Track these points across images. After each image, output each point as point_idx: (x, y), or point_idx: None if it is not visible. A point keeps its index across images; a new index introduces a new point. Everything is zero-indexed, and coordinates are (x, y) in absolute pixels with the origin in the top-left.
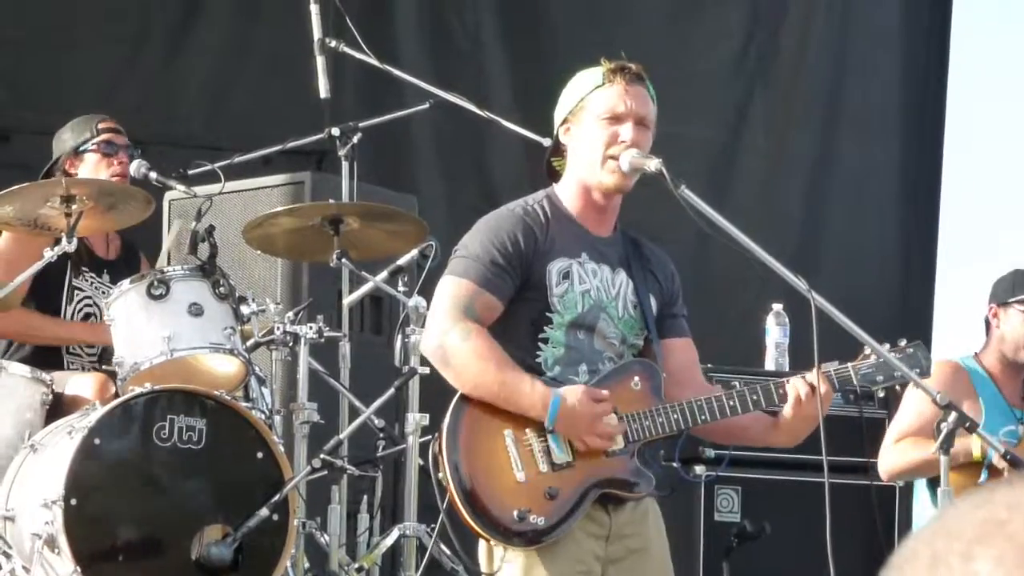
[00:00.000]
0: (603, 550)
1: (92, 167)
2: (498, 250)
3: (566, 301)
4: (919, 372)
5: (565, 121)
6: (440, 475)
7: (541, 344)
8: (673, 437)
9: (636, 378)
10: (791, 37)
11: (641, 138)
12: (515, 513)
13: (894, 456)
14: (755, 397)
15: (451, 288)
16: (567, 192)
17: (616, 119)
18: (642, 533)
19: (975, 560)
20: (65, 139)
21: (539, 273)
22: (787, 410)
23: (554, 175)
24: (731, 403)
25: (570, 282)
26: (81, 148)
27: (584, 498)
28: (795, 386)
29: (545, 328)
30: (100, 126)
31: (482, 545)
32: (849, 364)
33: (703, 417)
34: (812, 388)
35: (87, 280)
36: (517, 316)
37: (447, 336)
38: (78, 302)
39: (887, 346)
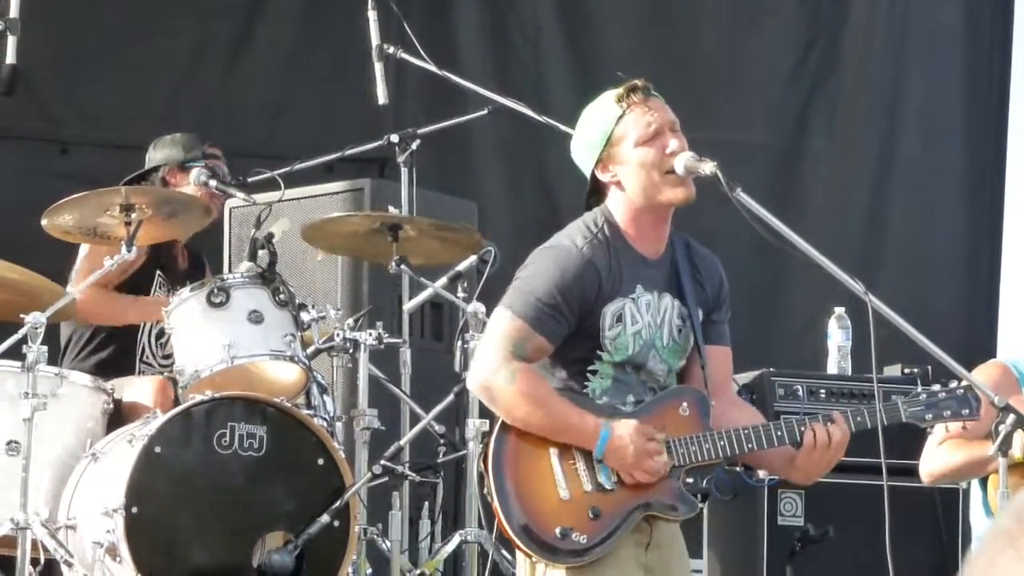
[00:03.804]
0: (644, 557)
1: (194, 186)
2: (561, 295)
3: (618, 344)
4: (968, 413)
5: (599, 161)
6: (485, 491)
7: (590, 375)
8: (718, 464)
9: (684, 403)
10: (852, 40)
11: (682, 142)
12: (557, 530)
13: (936, 459)
14: (802, 429)
15: (505, 326)
16: (621, 218)
17: (655, 136)
18: (673, 546)
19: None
20: (171, 151)
21: (594, 316)
22: (802, 454)
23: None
24: (778, 433)
25: (622, 325)
26: (189, 165)
27: (627, 519)
28: (813, 431)
29: (595, 362)
30: (209, 149)
31: (521, 560)
32: (899, 400)
33: (750, 445)
34: (830, 438)
35: (170, 293)
36: (567, 352)
37: (494, 376)
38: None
39: (937, 386)
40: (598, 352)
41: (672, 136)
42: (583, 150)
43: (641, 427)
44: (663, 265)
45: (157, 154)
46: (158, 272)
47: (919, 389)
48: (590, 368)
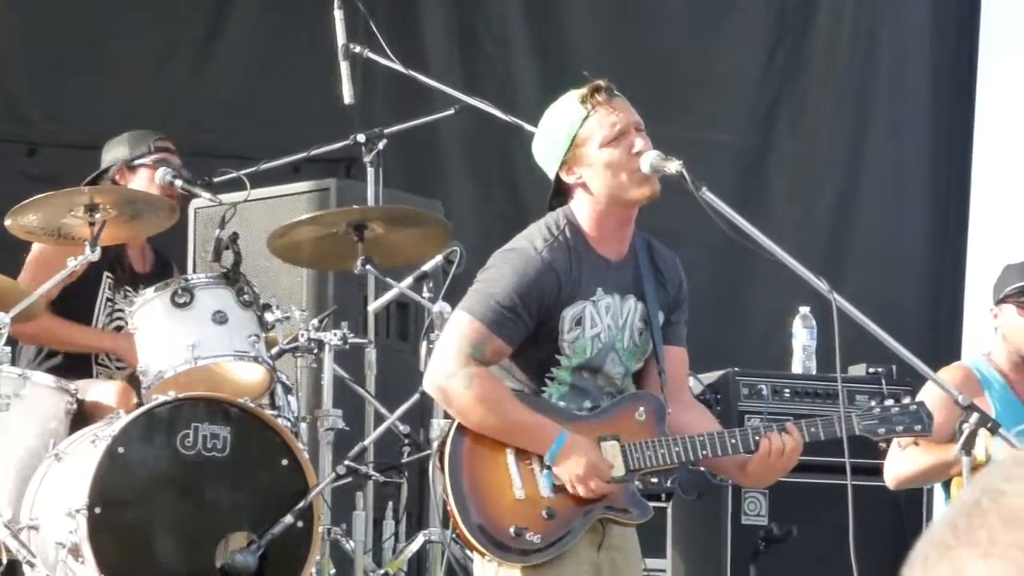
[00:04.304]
0: (596, 556)
1: (144, 183)
2: (520, 299)
3: (576, 347)
4: (920, 428)
5: (564, 163)
6: (439, 488)
7: (547, 381)
8: (673, 469)
9: (641, 408)
10: (820, 38)
11: (647, 142)
12: (512, 530)
13: (901, 464)
14: (757, 438)
15: (464, 328)
16: (585, 220)
17: (620, 136)
18: (626, 548)
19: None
20: (119, 150)
21: (553, 320)
22: (755, 460)
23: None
24: (732, 441)
25: (581, 328)
26: (136, 162)
27: (582, 520)
28: (770, 440)
29: (552, 369)
30: (157, 143)
31: (477, 560)
32: (853, 413)
33: (704, 452)
34: (784, 446)
35: (123, 295)
36: (525, 355)
37: (451, 380)
38: (109, 314)
39: (891, 401)
40: (556, 356)
41: (637, 136)
42: (547, 152)
43: (595, 447)
44: (626, 267)
45: (107, 155)
46: (106, 274)
47: (873, 403)
48: (548, 375)
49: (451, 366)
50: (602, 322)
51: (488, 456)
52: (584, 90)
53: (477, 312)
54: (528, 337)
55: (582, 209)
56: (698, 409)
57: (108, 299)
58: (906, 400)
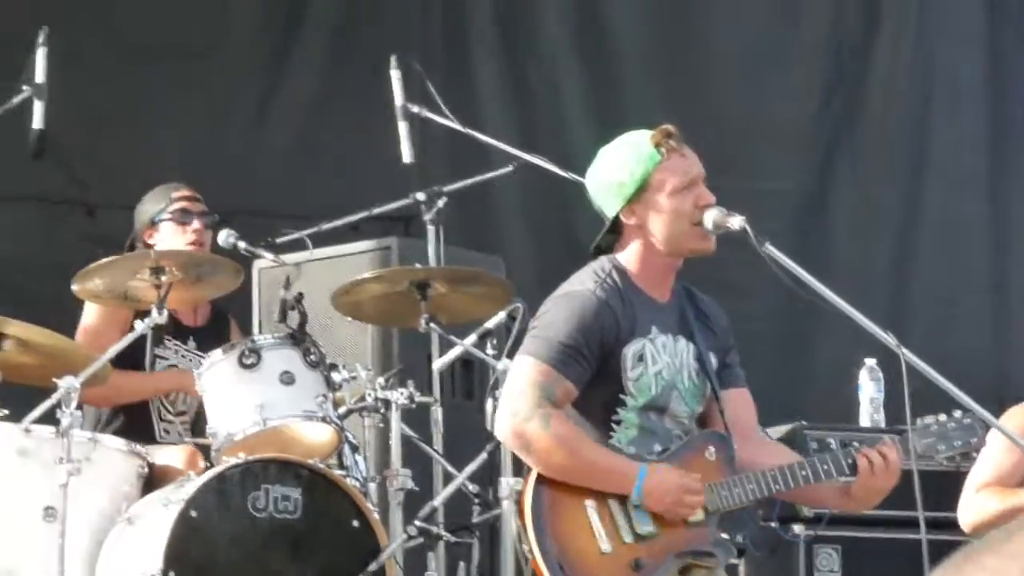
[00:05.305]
0: None
1: (169, 236)
2: (582, 336)
3: (640, 385)
4: (976, 441)
5: (628, 203)
6: (525, 547)
7: (614, 425)
8: (749, 507)
9: (711, 448)
10: (875, 88)
11: (712, 196)
12: None
13: (976, 507)
14: (826, 467)
15: (530, 372)
16: (633, 263)
17: (689, 186)
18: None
19: None
20: (143, 210)
21: (615, 357)
22: (858, 481)
23: (598, 253)
24: (803, 472)
25: (644, 365)
26: (157, 218)
27: (667, 568)
28: (867, 456)
29: (618, 410)
30: (175, 195)
31: None
32: (913, 431)
33: (777, 487)
34: (884, 459)
35: (170, 348)
36: (590, 398)
37: (528, 423)
38: (153, 366)
39: (944, 416)
40: (621, 396)
41: (704, 187)
42: (610, 191)
43: (675, 467)
44: (672, 309)
45: (136, 217)
46: (151, 333)
47: (927, 419)
48: (614, 418)
49: (525, 409)
50: (662, 359)
51: (569, 510)
52: (656, 133)
53: (542, 355)
54: (592, 379)
55: (633, 251)
56: (773, 446)
57: (157, 355)
58: (956, 413)
